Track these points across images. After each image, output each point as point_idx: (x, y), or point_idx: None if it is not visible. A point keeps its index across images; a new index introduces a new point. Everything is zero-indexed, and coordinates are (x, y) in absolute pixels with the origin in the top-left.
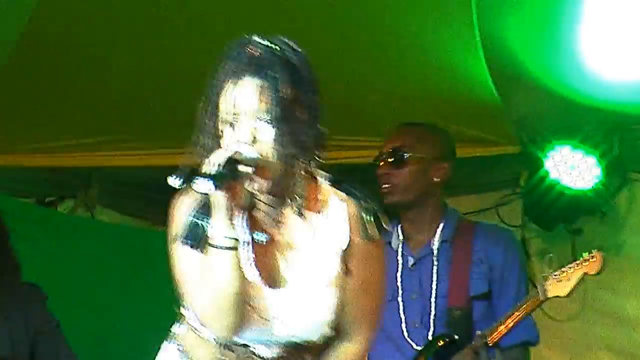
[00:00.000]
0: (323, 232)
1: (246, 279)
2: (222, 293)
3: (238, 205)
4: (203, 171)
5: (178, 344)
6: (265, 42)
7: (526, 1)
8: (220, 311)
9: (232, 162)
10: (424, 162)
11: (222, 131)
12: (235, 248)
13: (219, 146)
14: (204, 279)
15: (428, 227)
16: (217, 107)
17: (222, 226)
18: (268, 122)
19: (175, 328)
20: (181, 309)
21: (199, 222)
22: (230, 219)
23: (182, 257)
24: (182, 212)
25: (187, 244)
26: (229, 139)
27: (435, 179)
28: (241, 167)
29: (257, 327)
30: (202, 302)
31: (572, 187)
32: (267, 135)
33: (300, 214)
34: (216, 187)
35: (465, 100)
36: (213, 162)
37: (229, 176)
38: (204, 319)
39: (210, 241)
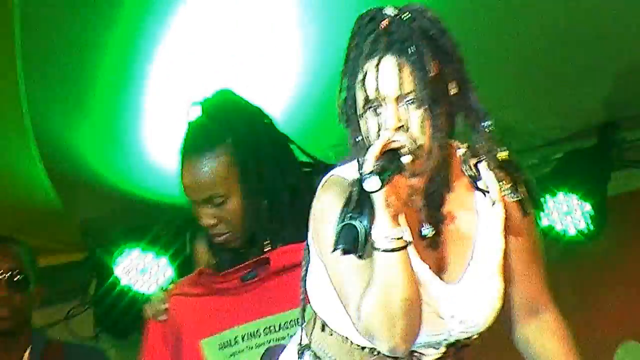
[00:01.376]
0: (482, 214)
1: (418, 278)
2: (396, 299)
3: (400, 199)
4: (365, 168)
5: (314, 353)
6: (398, 13)
7: (83, 98)
8: (393, 320)
9: (390, 153)
10: None
11: (365, 119)
12: (404, 248)
13: (367, 138)
14: (372, 286)
15: (17, 355)
16: (354, 93)
17: (386, 226)
18: (415, 104)
19: (309, 334)
20: (318, 315)
21: (351, 223)
22: (393, 217)
23: (338, 265)
24: (328, 215)
25: (341, 250)
26: (373, 127)
27: None
28: (401, 158)
29: (431, 328)
30: (370, 311)
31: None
32: (415, 118)
33: (458, 200)
34: (382, 183)
35: (24, 205)
36: (371, 156)
37: (390, 169)
38: (372, 330)
39: (375, 244)
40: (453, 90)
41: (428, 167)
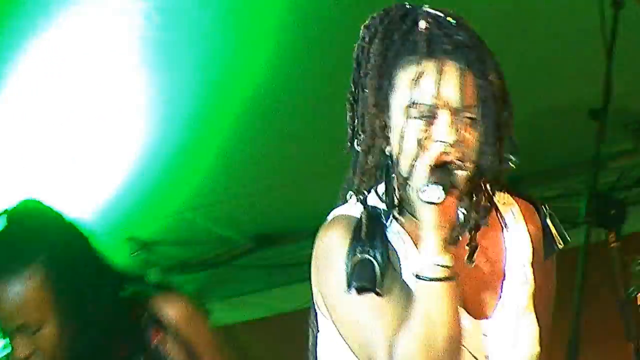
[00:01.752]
0: (514, 246)
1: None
2: (440, 337)
3: (450, 222)
4: (419, 177)
5: None
6: (442, 14)
7: None
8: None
9: (443, 167)
10: None
11: (400, 127)
12: (452, 278)
13: (399, 151)
14: (410, 323)
15: None
16: (389, 88)
17: (436, 251)
18: (475, 119)
19: None
20: None
21: (365, 258)
22: (443, 241)
23: (353, 308)
24: (334, 255)
25: (356, 288)
26: (412, 137)
27: None
28: (455, 173)
29: None
30: (409, 352)
31: None
32: (473, 135)
33: (494, 230)
34: (445, 193)
35: None
36: (423, 166)
37: (445, 184)
38: None
39: (419, 273)
40: (506, 110)
41: (473, 189)
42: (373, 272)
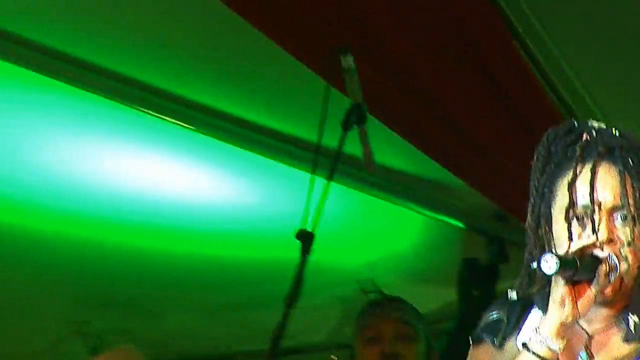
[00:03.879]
0: None
1: None
2: None
3: (576, 309)
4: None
5: None
6: (605, 127)
7: None
8: None
9: (587, 257)
10: None
11: (560, 231)
12: None
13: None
14: None
15: None
16: (550, 198)
17: (548, 330)
18: (632, 219)
19: None
20: None
21: (500, 317)
22: (562, 324)
23: (476, 355)
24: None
25: (482, 337)
26: (573, 239)
27: None
28: (598, 268)
29: None
30: None
31: None
32: (628, 235)
33: (627, 340)
34: (559, 267)
35: None
36: (569, 250)
37: (578, 268)
38: None
39: (526, 342)
40: None
41: (624, 295)
42: (497, 328)
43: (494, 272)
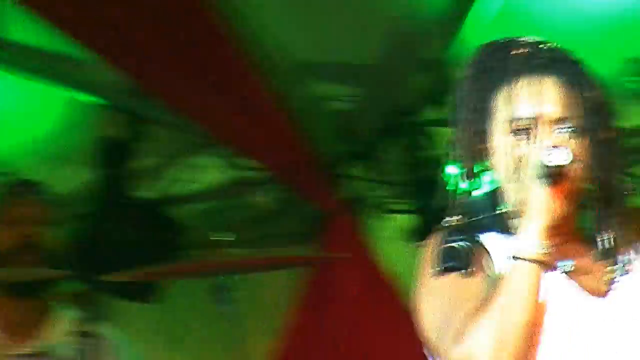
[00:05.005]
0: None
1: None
2: (517, 321)
3: (557, 211)
4: (539, 152)
5: None
6: (540, 41)
7: None
8: (503, 344)
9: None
10: None
11: (499, 147)
12: (544, 264)
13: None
14: (490, 302)
15: None
16: (487, 113)
17: (535, 234)
18: (576, 131)
19: None
20: None
21: (462, 246)
22: (548, 227)
23: (435, 291)
24: (432, 246)
25: (445, 268)
26: (514, 154)
27: None
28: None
29: None
30: (480, 332)
31: None
32: (575, 147)
33: (605, 253)
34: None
35: None
36: (546, 142)
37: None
38: (474, 356)
39: (516, 252)
40: (610, 132)
41: (574, 204)
42: (460, 255)
43: (129, 150)
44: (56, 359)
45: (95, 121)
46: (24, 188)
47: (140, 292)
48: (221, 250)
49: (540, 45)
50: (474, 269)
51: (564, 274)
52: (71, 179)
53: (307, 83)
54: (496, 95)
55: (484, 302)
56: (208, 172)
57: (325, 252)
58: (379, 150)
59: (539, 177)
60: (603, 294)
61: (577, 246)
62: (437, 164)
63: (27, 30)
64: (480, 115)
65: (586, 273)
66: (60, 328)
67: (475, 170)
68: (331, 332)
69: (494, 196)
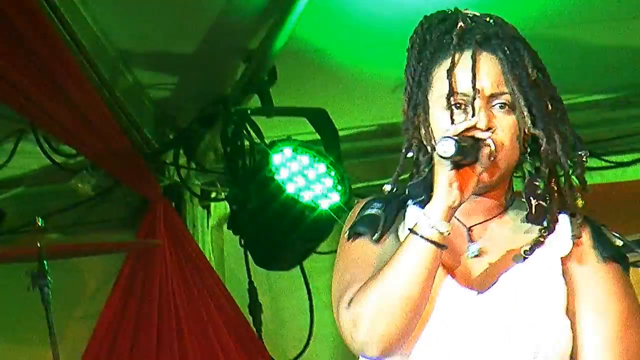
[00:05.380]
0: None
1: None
2: (399, 293)
3: (464, 192)
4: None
5: None
6: (480, 15)
7: None
8: (382, 314)
9: (471, 138)
10: None
11: (438, 120)
12: (440, 245)
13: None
14: (382, 272)
15: None
16: (426, 87)
17: (438, 214)
18: (509, 107)
19: None
20: None
21: (378, 213)
22: (449, 208)
23: (344, 255)
24: (354, 212)
25: (358, 233)
26: (448, 123)
27: None
28: (481, 150)
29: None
30: (366, 298)
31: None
32: (507, 123)
33: (518, 228)
34: (457, 152)
35: None
36: (453, 131)
37: (467, 152)
38: (358, 321)
39: (415, 227)
40: (547, 108)
41: (499, 184)
42: (372, 222)
43: None
44: None
45: None
46: None
47: None
48: (38, 236)
49: (480, 20)
50: (382, 236)
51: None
52: None
53: (127, 71)
54: (435, 68)
55: (378, 271)
56: (26, 157)
57: (143, 238)
58: (199, 138)
59: (444, 161)
60: (484, 289)
61: (498, 228)
62: (256, 153)
63: None
64: (420, 89)
65: (485, 264)
66: None
67: (416, 143)
68: (148, 317)
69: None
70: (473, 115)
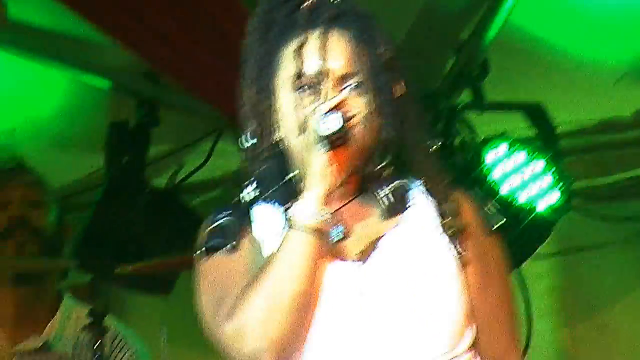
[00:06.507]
0: (414, 218)
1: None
2: (290, 290)
3: (338, 175)
4: (314, 120)
5: None
6: None
7: None
8: (274, 314)
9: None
10: None
11: (284, 104)
12: (322, 233)
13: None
14: (263, 273)
15: None
16: (272, 69)
17: (314, 203)
18: (362, 88)
19: None
20: None
21: (225, 222)
22: (325, 194)
23: (210, 267)
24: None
25: (213, 248)
26: (299, 106)
27: None
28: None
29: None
30: (251, 304)
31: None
32: (360, 104)
33: (387, 212)
34: (344, 125)
35: None
36: (325, 107)
37: (342, 131)
38: (244, 328)
39: (292, 219)
40: (400, 90)
41: (360, 162)
42: (223, 232)
43: (144, 136)
44: (61, 353)
45: (102, 104)
46: (13, 170)
47: (156, 284)
48: None
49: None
50: (238, 243)
51: (335, 241)
52: (76, 165)
53: None
54: (281, 50)
55: (257, 273)
56: (224, 158)
57: None
58: None
59: (316, 143)
60: (364, 259)
61: (360, 208)
62: (468, 151)
63: (30, 9)
64: (265, 72)
65: (358, 237)
66: (66, 321)
67: (262, 132)
68: None
69: (284, 160)
70: (324, 97)
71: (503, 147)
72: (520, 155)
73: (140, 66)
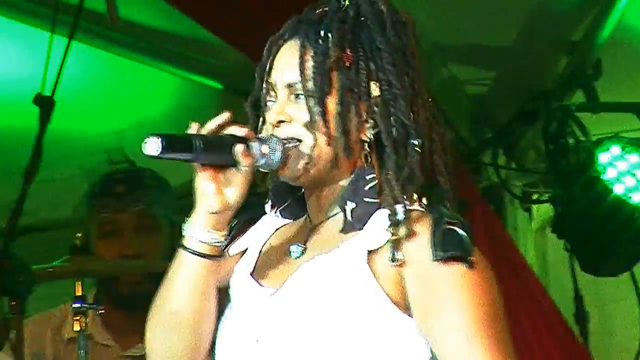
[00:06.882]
0: (347, 246)
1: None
2: (174, 307)
3: (222, 198)
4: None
5: None
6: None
7: None
8: (156, 332)
9: (228, 138)
10: None
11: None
12: (209, 256)
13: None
14: (158, 290)
15: None
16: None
17: (199, 222)
18: (303, 95)
19: None
20: None
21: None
22: (211, 214)
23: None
24: None
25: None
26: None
27: None
28: (235, 149)
29: None
30: (148, 319)
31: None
32: (303, 113)
33: (345, 229)
34: (164, 147)
35: None
36: (204, 128)
37: (216, 147)
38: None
39: (183, 241)
40: (374, 91)
41: (315, 179)
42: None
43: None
44: None
45: (213, 104)
46: (123, 193)
47: None
48: None
49: (320, 9)
50: (226, 247)
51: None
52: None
53: (443, 65)
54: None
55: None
56: None
57: None
58: (518, 137)
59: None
60: (279, 285)
61: (330, 225)
62: (581, 152)
63: (140, 9)
64: (257, 84)
65: (285, 262)
66: None
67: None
68: None
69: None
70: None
71: (616, 149)
72: (634, 157)
73: (251, 66)
